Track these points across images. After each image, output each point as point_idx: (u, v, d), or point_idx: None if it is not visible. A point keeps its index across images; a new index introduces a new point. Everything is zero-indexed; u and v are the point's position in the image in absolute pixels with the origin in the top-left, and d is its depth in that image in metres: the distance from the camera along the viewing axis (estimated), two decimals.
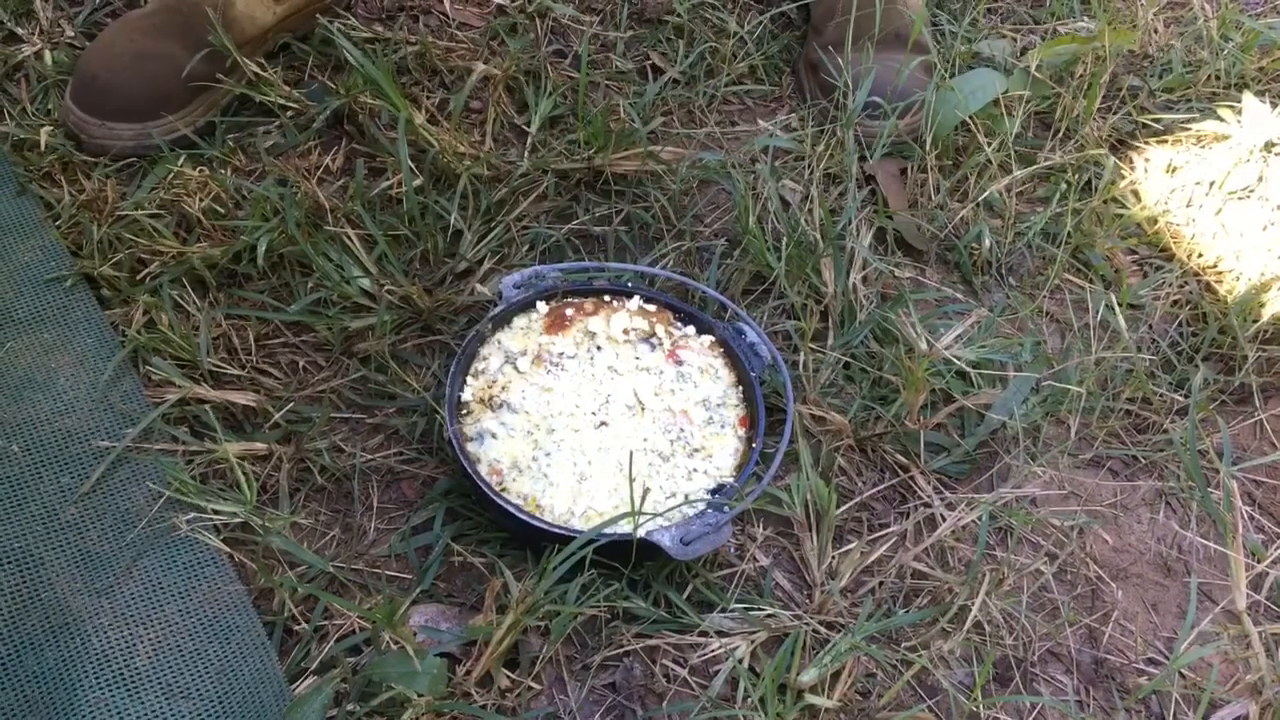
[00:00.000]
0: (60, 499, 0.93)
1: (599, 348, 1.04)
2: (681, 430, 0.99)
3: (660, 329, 1.06)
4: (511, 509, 0.91)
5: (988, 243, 1.19)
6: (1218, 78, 1.41)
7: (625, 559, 0.91)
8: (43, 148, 1.16)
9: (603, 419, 0.99)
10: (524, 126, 1.27)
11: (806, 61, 1.34)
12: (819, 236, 1.14)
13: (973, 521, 0.99)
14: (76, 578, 0.89)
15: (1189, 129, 1.33)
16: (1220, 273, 1.20)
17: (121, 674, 0.84)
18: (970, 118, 1.24)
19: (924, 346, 1.05)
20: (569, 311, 1.06)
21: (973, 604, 0.93)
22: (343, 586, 0.92)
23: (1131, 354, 1.11)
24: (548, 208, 1.19)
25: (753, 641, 0.90)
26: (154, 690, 0.84)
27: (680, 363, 1.04)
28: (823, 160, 1.23)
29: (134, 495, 0.94)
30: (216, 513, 0.93)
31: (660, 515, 0.92)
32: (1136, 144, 1.34)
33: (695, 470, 0.97)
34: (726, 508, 0.93)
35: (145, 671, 0.85)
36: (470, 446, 0.96)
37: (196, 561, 0.91)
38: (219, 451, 0.96)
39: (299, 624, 0.89)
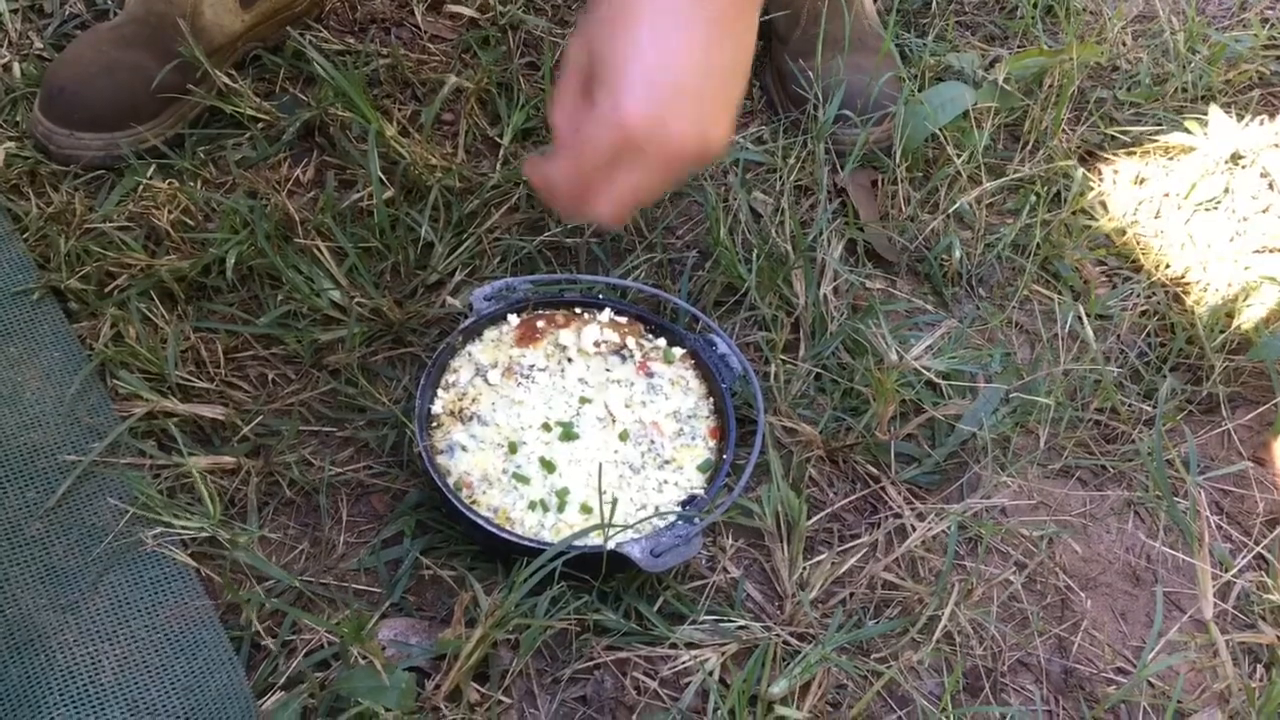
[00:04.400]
0: (25, 514, 0.93)
1: (570, 360, 1.04)
2: (652, 442, 0.99)
3: (631, 341, 1.06)
4: (481, 522, 0.91)
5: (958, 254, 1.20)
6: (1185, 90, 1.42)
7: (595, 571, 0.91)
8: (1, 163, 1.15)
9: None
10: (496, 138, 1.27)
11: (775, 71, 1.35)
12: (790, 248, 1.15)
13: (942, 532, 0.99)
14: (41, 593, 0.88)
15: (1156, 141, 1.35)
16: (1188, 284, 1.21)
17: (87, 690, 0.83)
18: (940, 130, 1.25)
19: (894, 358, 1.06)
20: (540, 324, 1.06)
21: (942, 614, 0.93)
22: (311, 601, 0.92)
23: (1100, 365, 1.12)
24: (519, 220, 1.18)
25: (723, 653, 0.90)
26: (119, 706, 0.83)
27: (651, 374, 1.04)
28: (794, 172, 1.23)
29: (100, 510, 0.93)
30: (184, 527, 0.92)
31: (630, 527, 0.92)
32: (1105, 155, 1.35)
33: (666, 482, 0.97)
34: (697, 519, 0.93)
35: (111, 688, 0.84)
36: (440, 459, 0.96)
37: (163, 577, 0.90)
38: (186, 465, 0.95)
39: (266, 639, 0.89)
